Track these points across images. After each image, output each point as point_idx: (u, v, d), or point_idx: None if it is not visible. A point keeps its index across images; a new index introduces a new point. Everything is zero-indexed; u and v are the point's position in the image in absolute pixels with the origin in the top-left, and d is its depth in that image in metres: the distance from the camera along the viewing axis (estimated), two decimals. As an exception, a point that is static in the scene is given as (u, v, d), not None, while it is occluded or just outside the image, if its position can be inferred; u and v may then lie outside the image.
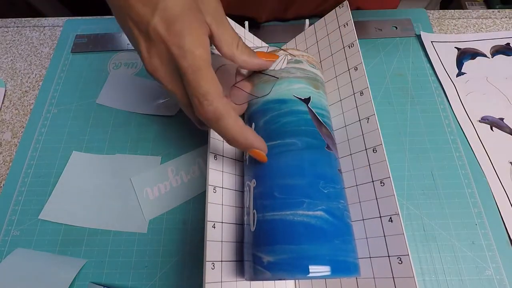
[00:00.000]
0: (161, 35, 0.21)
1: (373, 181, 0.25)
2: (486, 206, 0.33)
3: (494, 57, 0.43)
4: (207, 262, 0.22)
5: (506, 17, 0.47)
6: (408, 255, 0.21)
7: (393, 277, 0.22)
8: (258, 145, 0.23)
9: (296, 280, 0.28)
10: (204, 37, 0.22)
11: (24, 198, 0.34)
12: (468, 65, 0.42)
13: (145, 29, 0.21)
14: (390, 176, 0.24)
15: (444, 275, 0.30)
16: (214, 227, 0.24)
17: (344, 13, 0.32)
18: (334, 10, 0.33)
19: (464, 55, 0.43)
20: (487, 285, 0.29)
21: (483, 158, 0.35)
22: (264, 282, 0.26)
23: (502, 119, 0.38)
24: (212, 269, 0.22)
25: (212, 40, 0.23)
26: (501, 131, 0.37)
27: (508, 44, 0.44)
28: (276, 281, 0.27)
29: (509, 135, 0.37)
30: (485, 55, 0.43)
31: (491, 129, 0.37)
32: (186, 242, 0.32)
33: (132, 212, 0.33)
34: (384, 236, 0.23)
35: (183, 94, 0.22)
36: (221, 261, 0.23)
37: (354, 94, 0.29)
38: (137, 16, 0.21)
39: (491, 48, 0.43)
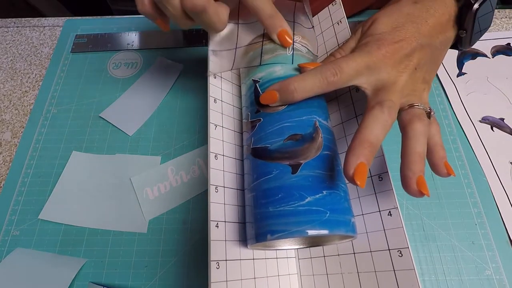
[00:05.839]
0: None
1: (371, 176, 0.25)
2: (486, 206, 0.33)
3: (495, 57, 0.43)
4: (212, 262, 0.22)
5: (506, 17, 0.47)
6: (408, 247, 0.21)
7: (394, 270, 0.22)
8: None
9: (298, 265, 0.28)
10: None
11: (24, 198, 0.34)
12: (468, 65, 0.42)
13: None
14: (388, 171, 0.24)
15: (444, 275, 0.30)
16: (217, 226, 0.24)
17: (337, 10, 0.32)
18: (327, 7, 0.33)
19: (465, 55, 0.43)
20: (486, 285, 0.29)
21: (483, 158, 0.35)
22: (269, 273, 0.26)
23: (502, 119, 0.38)
24: (217, 268, 0.22)
25: None
26: (502, 131, 0.37)
27: (508, 44, 0.44)
28: (280, 271, 0.27)
29: (509, 135, 0.37)
30: (485, 55, 0.43)
31: (492, 129, 0.37)
32: (186, 242, 0.32)
33: (132, 212, 0.33)
34: (384, 230, 0.23)
35: None
36: (226, 260, 0.23)
37: (350, 91, 0.29)
38: None
39: (492, 48, 0.43)
